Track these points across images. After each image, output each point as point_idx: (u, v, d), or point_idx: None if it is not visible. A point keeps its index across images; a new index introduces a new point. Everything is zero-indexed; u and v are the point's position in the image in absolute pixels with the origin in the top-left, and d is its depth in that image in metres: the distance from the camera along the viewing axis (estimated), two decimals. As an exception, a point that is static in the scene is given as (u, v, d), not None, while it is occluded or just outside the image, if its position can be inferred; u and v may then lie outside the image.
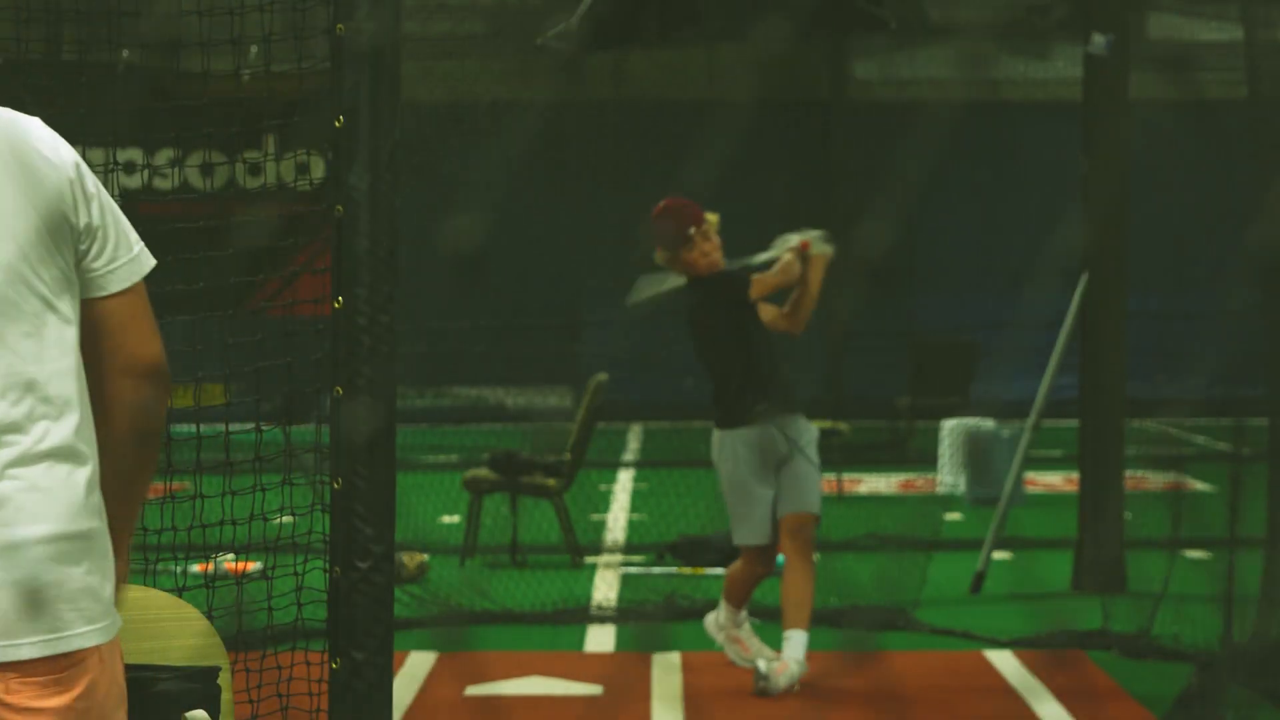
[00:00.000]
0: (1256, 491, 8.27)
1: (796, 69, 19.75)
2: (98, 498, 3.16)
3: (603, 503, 14.43)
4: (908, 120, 20.42)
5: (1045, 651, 9.19)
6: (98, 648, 3.13)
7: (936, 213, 20.79)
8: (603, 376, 12.41)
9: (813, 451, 8.56)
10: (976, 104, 20.11)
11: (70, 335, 3.13)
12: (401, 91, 4.72)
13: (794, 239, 8.55)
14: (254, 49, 5.40)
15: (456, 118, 17.15)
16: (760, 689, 8.35)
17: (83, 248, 3.15)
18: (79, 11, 5.70)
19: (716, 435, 8.55)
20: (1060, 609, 10.15)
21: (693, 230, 8.44)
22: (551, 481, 11.72)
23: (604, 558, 12.07)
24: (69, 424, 3.11)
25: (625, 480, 16.19)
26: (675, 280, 8.68)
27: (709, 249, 8.49)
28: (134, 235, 3.22)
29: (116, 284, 3.18)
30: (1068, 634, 9.43)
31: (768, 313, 8.61)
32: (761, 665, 8.40)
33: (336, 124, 4.66)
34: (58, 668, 3.07)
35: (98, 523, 3.15)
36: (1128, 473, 11.23)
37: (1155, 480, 14.03)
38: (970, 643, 9.46)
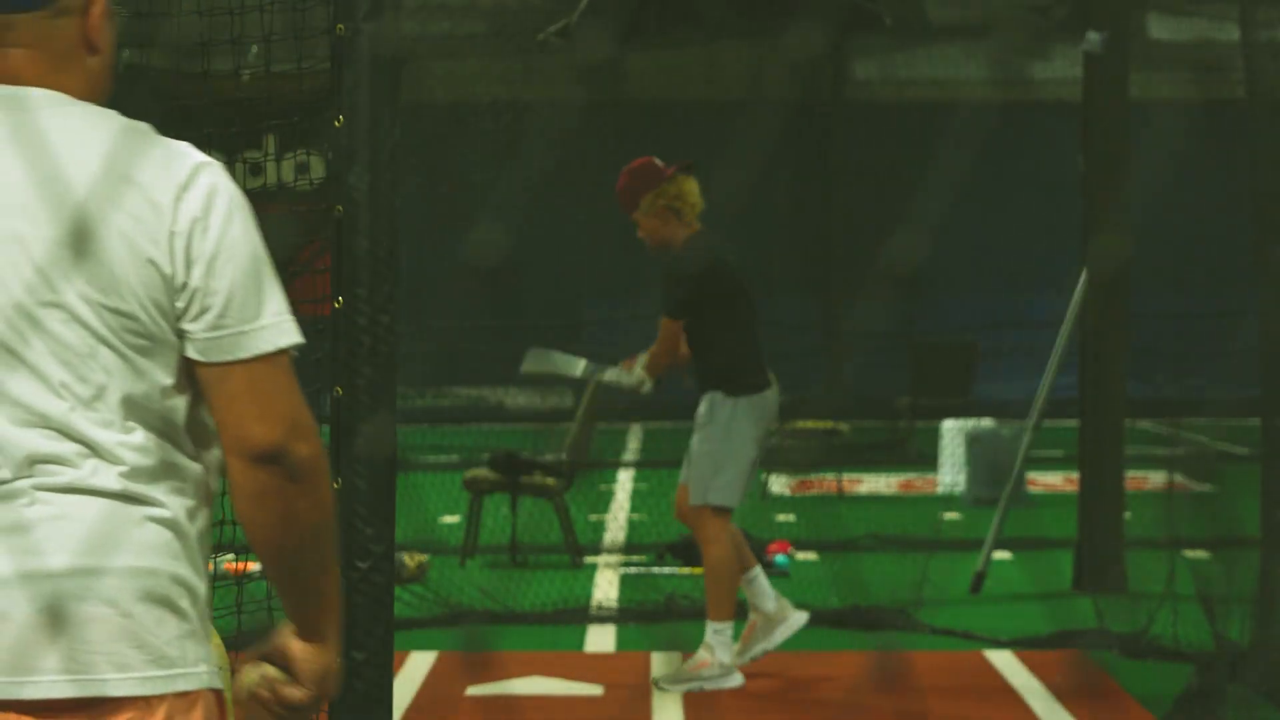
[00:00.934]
0: (1256, 491, 8.26)
1: (796, 69, 19.75)
2: (176, 543, 2.93)
3: (603, 503, 14.43)
4: (907, 120, 20.44)
5: (1045, 651, 9.19)
6: (145, 699, 2.86)
7: (936, 213, 20.80)
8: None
9: (707, 435, 8.51)
10: (976, 104, 20.13)
11: (144, 391, 2.89)
12: (401, 91, 4.72)
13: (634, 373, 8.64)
14: (254, 49, 5.40)
15: (456, 118, 17.16)
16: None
17: (179, 305, 2.90)
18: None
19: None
20: (1060, 609, 10.15)
21: (634, 215, 8.56)
22: (551, 481, 11.71)
23: (604, 558, 12.07)
24: (118, 469, 2.87)
25: (625, 480, 16.19)
26: (565, 367, 8.85)
27: (642, 234, 8.58)
28: (271, 307, 2.95)
29: (218, 354, 2.90)
30: (1068, 634, 9.43)
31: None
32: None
33: (336, 124, 4.66)
34: (78, 706, 2.83)
35: (165, 564, 2.90)
36: (1128, 473, 11.23)
37: (1155, 480, 14.04)
38: (970, 643, 9.45)
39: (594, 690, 8.51)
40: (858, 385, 19.89)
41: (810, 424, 17.09)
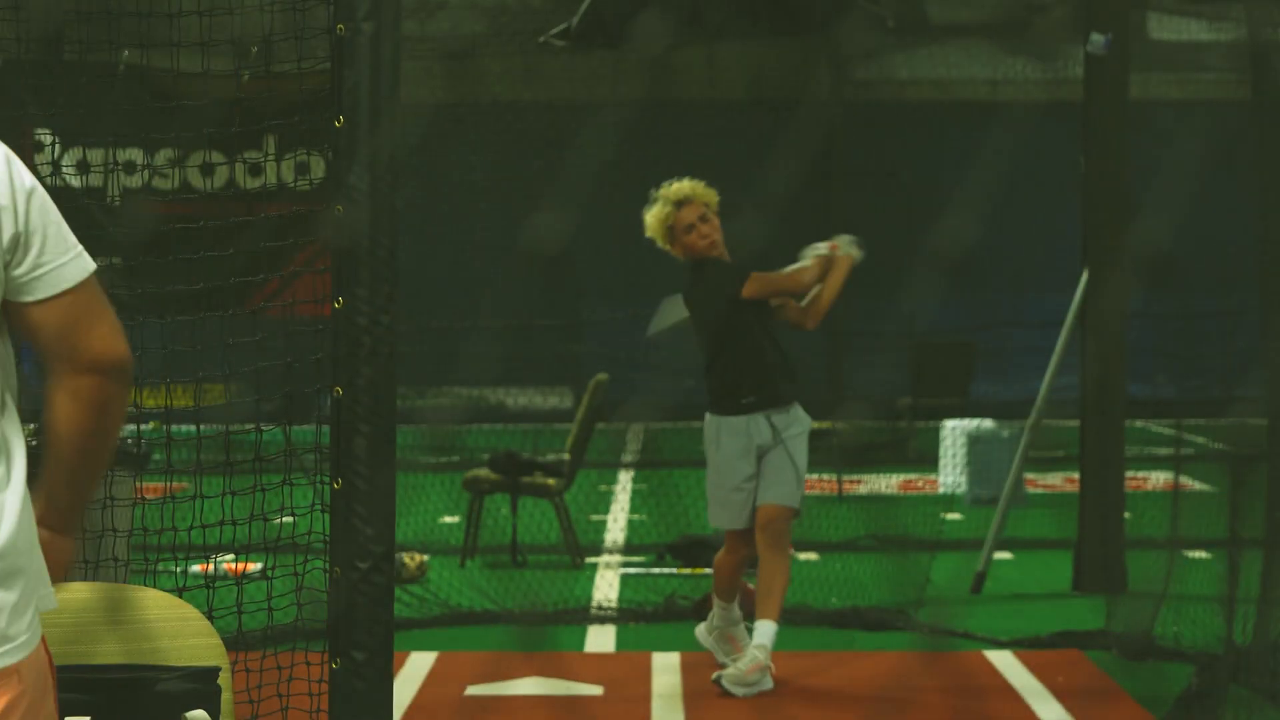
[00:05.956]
0: (1256, 491, 8.26)
1: (796, 69, 19.75)
2: (22, 509, 3.07)
3: (603, 503, 14.42)
4: (908, 120, 20.43)
5: (1045, 651, 9.19)
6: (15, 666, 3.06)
7: (936, 213, 20.80)
8: (603, 376, 12.41)
9: (798, 444, 8.50)
10: (976, 104, 20.11)
11: None
12: (401, 91, 4.73)
13: (822, 247, 8.63)
14: (254, 49, 5.40)
15: (456, 118, 17.14)
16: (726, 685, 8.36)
17: (6, 258, 3.08)
18: (79, 11, 5.70)
19: (708, 418, 8.56)
20: (1060, 609, 10.16)
21: (704, 225, 8.51)
22: (551, 481, 11.71)
23: (604, 558, 12.06)
24: None
25: (625, 480, 16.19)
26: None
27: (707, 231, 8.50)
28: (71, 239, 3.16)
29: (44, 290, 3.11)
30: (1068, 634, 9.43)
31: (789, 308, 8.65)
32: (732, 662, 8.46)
33: (336, 124, 4.66)
34: None
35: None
36: (1128, 473, 11.23)
37: (1155, 480, 14.04)
38: (970, 643, 9.45)
39: (594, 690, 8.51)
40: (858, 385, 19.88)
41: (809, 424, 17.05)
